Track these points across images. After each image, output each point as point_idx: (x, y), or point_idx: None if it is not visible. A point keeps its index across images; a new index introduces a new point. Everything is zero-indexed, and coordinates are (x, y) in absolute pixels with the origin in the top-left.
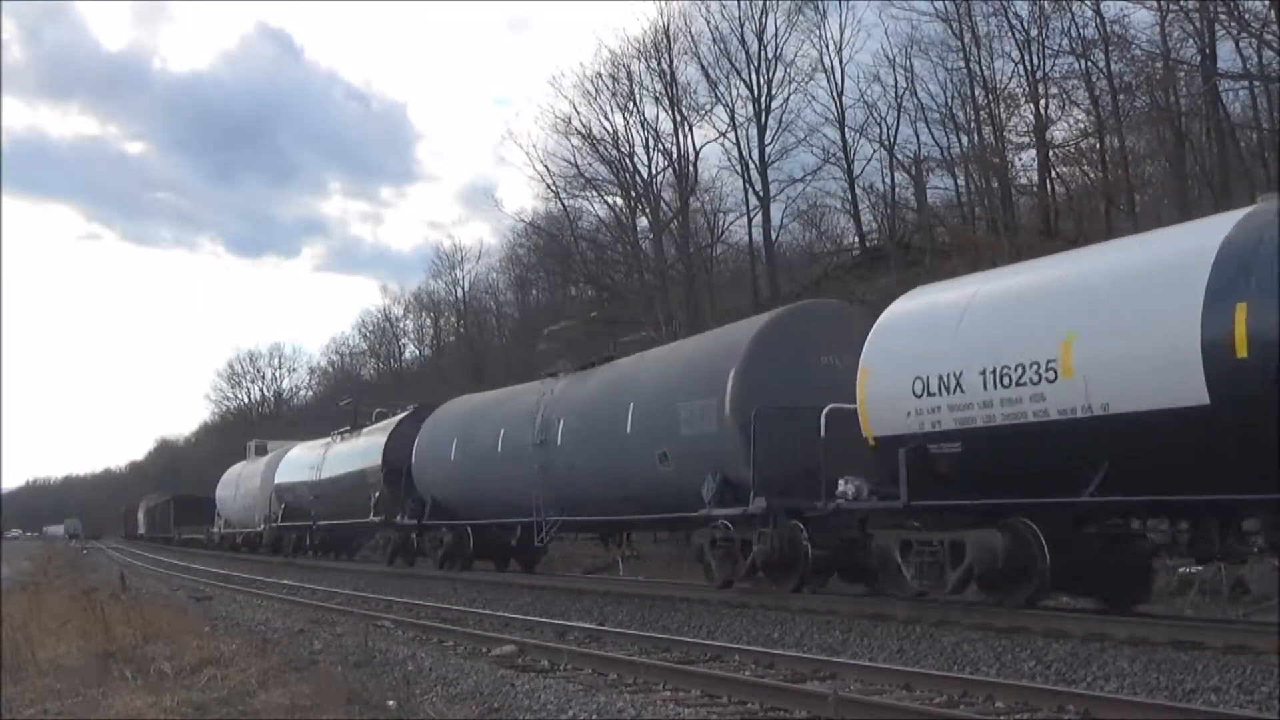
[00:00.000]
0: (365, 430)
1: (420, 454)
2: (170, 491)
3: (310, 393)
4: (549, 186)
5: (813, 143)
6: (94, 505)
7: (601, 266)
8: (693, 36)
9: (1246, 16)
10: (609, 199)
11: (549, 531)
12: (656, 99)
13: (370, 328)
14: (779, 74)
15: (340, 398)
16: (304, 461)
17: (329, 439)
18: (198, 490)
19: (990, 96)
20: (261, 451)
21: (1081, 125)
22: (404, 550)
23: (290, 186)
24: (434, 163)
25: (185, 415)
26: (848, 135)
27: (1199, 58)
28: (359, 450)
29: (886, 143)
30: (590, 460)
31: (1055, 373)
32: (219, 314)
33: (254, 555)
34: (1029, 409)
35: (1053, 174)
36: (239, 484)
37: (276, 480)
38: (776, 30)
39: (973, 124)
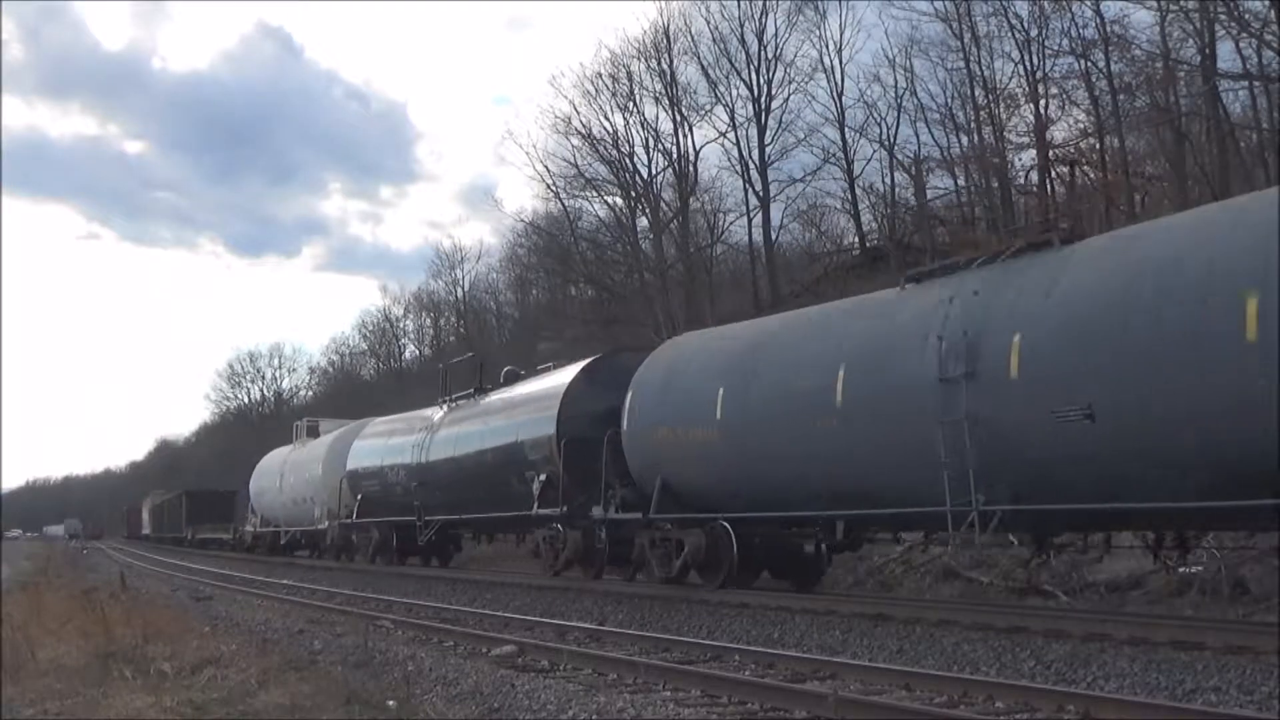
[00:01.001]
0: (504, 391)
1: (643, 412)
2: (180, 486)
3: (310, 393)
4: (549, 186)
5: (813, 143)
6: (94, 505)
7: (601, 266)
8: (693, 36)
9: (1246, 16)
10: (609, 199)
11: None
12: (656, 99)
13: (370, 328)
14: (779, 74)
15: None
16: (394, 441)
17: (437, 409)
18: (214, 484)
19: (990, 96)
20: (313, 433)
21: (1081, 125)
22: (626, 558)
23: (290, 186)
24: (434, 162)
25: (185, 415)
26: (848, 135)
27: (1199, 58)
28: (506, 419)
29: (886, 143)
30: None
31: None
32: (219, 314)
33: (304, 559)
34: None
35: (1053, 174)
36: (284, 473)
37: (351, 466)
38: (776, 30)
39: (973, 124)
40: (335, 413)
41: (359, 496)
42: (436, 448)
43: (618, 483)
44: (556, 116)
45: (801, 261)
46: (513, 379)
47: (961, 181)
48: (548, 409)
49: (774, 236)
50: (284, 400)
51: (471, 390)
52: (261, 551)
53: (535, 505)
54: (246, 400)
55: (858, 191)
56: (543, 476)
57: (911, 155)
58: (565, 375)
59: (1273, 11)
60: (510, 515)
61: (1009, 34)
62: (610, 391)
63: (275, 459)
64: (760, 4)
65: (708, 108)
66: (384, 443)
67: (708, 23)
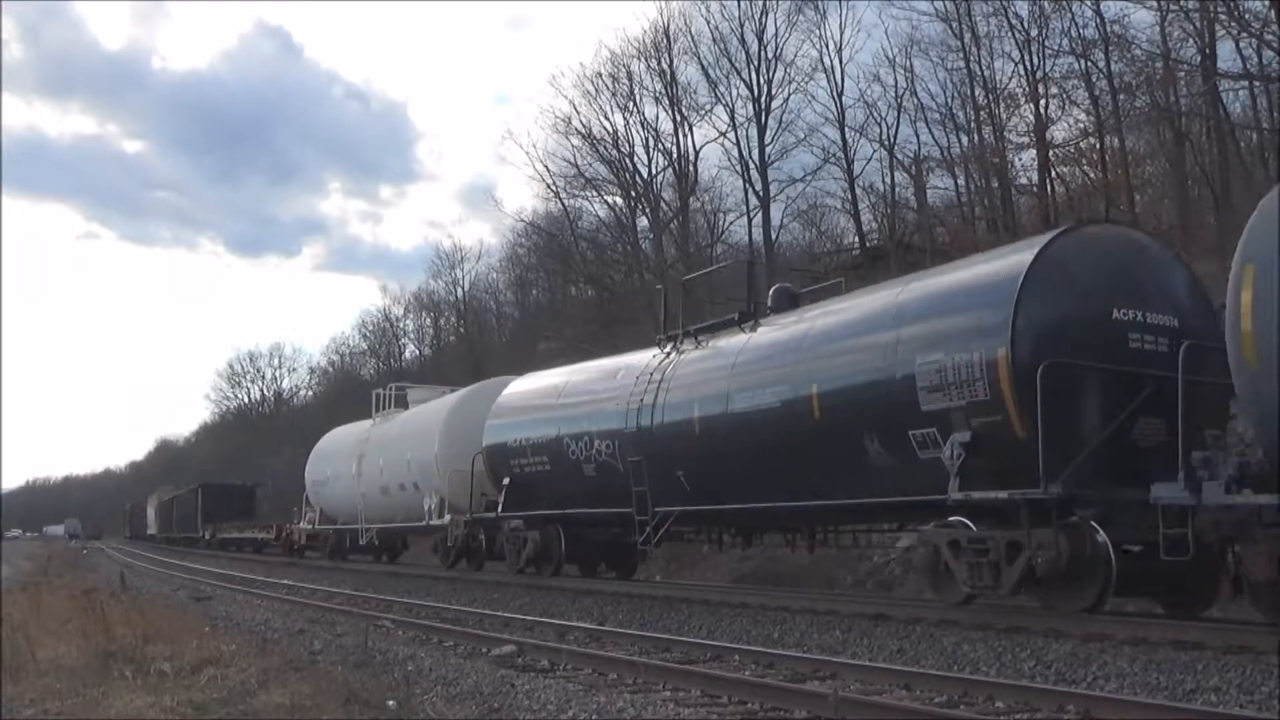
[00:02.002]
0: (818, 310)
1: None
2: (188, 481)
3: (310, 393)
4: (549, 186)
5: (813, 143)
6: (94, 505)
7: (601, 266)
8: (693, 36)
9: (1246, 16)
10: (609, 199)
11: None
12: (656, 99)
13: (370, 328)
14: (779, 74)
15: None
16: (573, 401)
17: (653, 352)
18: (232, 476)
19: (990, 96)
20: (402, 403)
21: (1081, 125)
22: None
23: (290, 186)
24: (434, 162)
25: (185, 415)
26: (848, 135)
27: (1199, 58)
28: (869, 340)
29: (886, 143)
30: None
31: None
32: (219, 314)
33: (404, 567)
34: None
35: (1053, 174)
36: (365, 455)
37: (492, 439)
38: (776, 30)
39: (973, 124)
40: (335, 416)
41: (506, 481)
42: (674, 402)
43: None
44: (556, 116)
45: (802, 261)
46: (790, 299)
47: (961, 181)
48: (993, 304)
49: (774, 236)
50: (284, 400)
51: (735, 317)
52: (322, 555)
53: (954, 481)
54: (246, 400)
55: (858, 191)
56: (964, 436)
57: (911, 155)
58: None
59: (1273, 11)
60: (884, 502)
61: (1009, 34)
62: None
63: (345, 438)
64: (760, 4)
65: (708, 108)
66: (553, 404)
67: (708, 22)
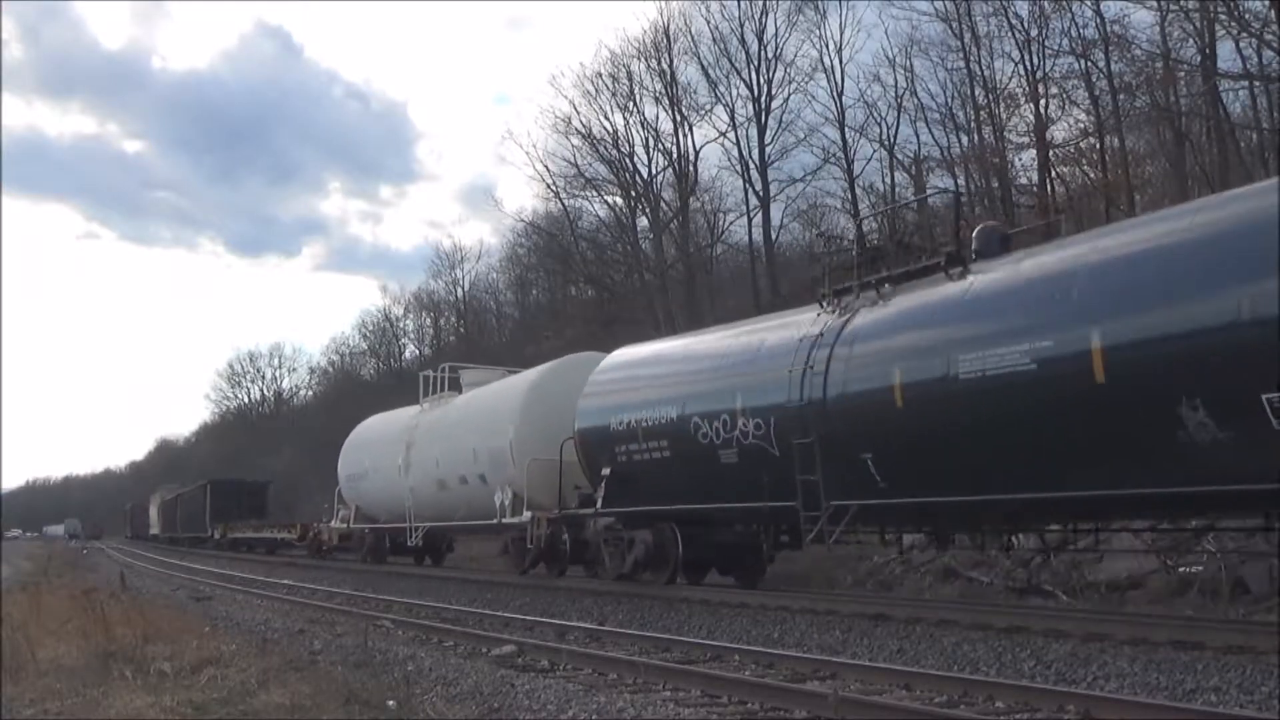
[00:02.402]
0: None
1: None
2: (189, 480)
3: (310, 393)
4: (549, 186)
5: (813, 143)
6: (94, 505)
7: (601, 266)
8: (693, 36)
9: (1246, 16)
10: (609, 199)
11: None
12: (656, 99)
13: (370, 328)
14: (779, 74)
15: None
16: (706, 368)
17: (812, 312)
18: (232, 476)
19: (990, 96)
20: (455, 387)
21: (1081, 125)
22: None
23: (290, 186)
24: (434, 162)
25: (185, 415)
26: (848, 135)
27: (1199, 58)
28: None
29: (886, 143)
30: None
31: None
32: (219, 314)
33: (457, 571)
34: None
35: (1053, 174)
36: (414, 443)
37: (589, 422)
38: (776, 30)
39: (973, 124)
40: (335, 416)
41: (606, 472)
42: (862, 369)
43: None
44: (556, 116)
45: (802, 261)
46: (1002, 243)
47: (961, 181)
48: None
49: (774, 236)
50: (284, 400)
51: (940, 262)
52: (358, 557)
53: None
54: (246, 400)
55: (858, 191)
56: None
57: (911, 155)
58: None
59: (1273, 11)
60: (1211, 492)
61: (1009, 34)
62: None
63: (387, 427)
64: (760, 4)
65: (708, 108)
66: (674, 377)
67: (708, 23)
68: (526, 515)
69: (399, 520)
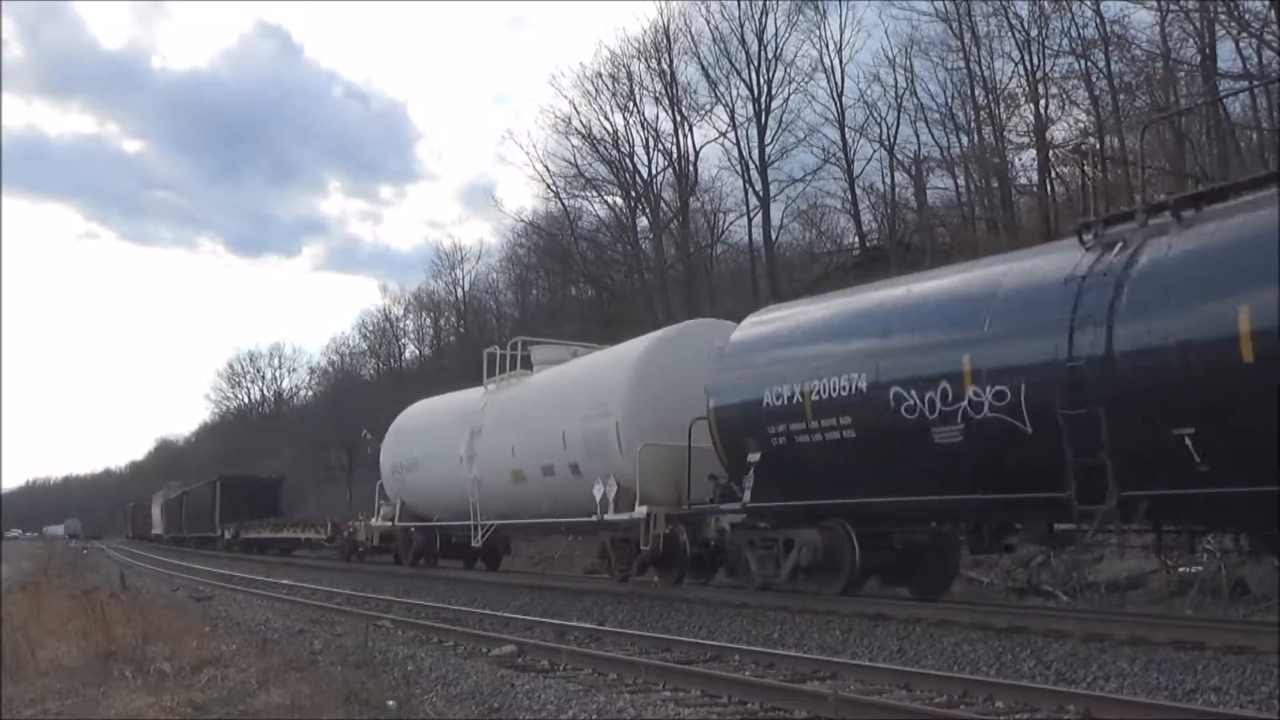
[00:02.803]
0: None
1: None
2: (191, 480)
3: (310, 393)
4: (549, 186)
5: (813, 143)
6: (94, 505)
7: (601, 266)
8: (693, 36)
9: (1246, 16)
10: (609, 199)
11: None
12: (656, 99)
13: (370, 328)
14: (779, 74)
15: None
16: (902, 325)
17: (1078, 249)
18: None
19: (990, 96)
20: (527, 364)
21: (1081, 125)
22: None
23: (290, 185)
24: (434, 162)
25: (185, 415)
26: (848, 135)
27: (1199, 58)
28: None
29: (886, 143)
30: None
31: None
32: (219, 314)
33: (526, 577)
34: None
35: (1053, 174)
36: (480, 429)
37: (726, 399)
38: (776, 30)
39: (973, 124)
40: (335, 416)
41: (754, 458)
42: (1172, 314)
43: None
44: (556, 116)
45: (802, 261)
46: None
47: (961, 181)
48: None
49: (774, 236)
50: (284, 400)
51: (1270, 174)
52: (403, 560)
53: None
54: (246, 400)
55: (858, 191)
56: None
57: (911, 155)
58: None
59: (1273, 11)
60: None
61: (1009, 34)
62: None
63: (443, 411)
64: (760, 4)
65: (708, 108)
66: (858, 335)
67: (708, 23)
68: (640, 511)
69: (458, 517)
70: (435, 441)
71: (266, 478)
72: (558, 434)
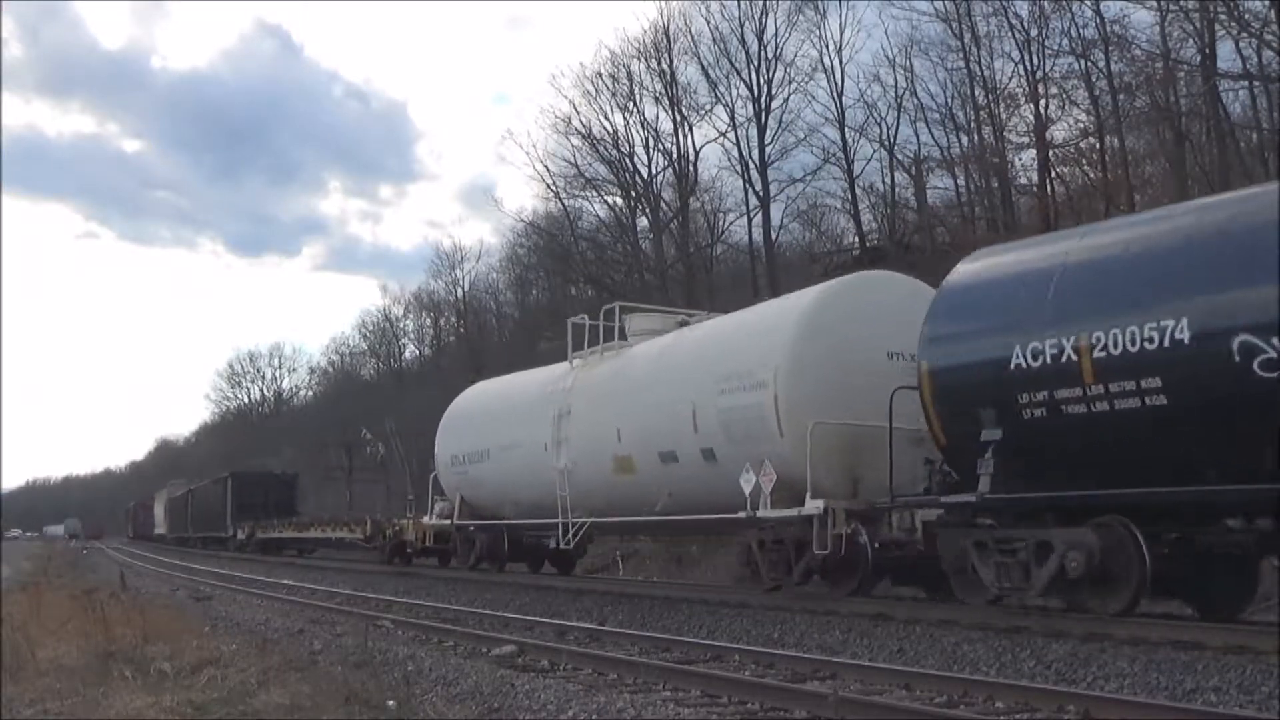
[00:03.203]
0: None
1: None
2: (191, 479)
3: (310, 393)
4: (549, 186)
5: (813, 143)
6: (94, 505)
7: (601, 266)
8: (693, 36)
9: (1246, 16)
10: (609, 199)
11: None
12: (656, 99)
13: (370, 328)
14: (779, 74)
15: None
16: None
17: None
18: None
19: (990, 96)
20: (619, 338)
21: (1081, 125)
22: None
23: (290, 185)
24: (434, 161)
25: (185, 415)
26: (848, 135)
27: (1199, 58)
28: None
29: (886, 143)
30: None
31: None
32: (219, 314)
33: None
34: None
35: (1053, 174)
36: (572, 412)
37: (946, 361)
38: (776, 30)
39: (973, 124)
40: (338, 414)
41: (993, 436)
42: None
43: None
44: (556, 116)
45: (802, 261)
46: None
47: (961, 181)
48: None
49: (774, 236)
50: (284, 400)
51: None
52: (459, 563)
53: None
54: (246, 400)
55: (858, 191)
56: None
57: (911, 155)
58: None
59: (1273, 11)
60: None
61: (1009, 34)
62: None
63: (519, 392)
64: (760, 4)
65: (708, 108)
66: (1169, 259)
67: (708, 22)
68: (814, 506)
69: (537, 514)
70: (508, 427)
71: (282, 474)
72: (683, 413)
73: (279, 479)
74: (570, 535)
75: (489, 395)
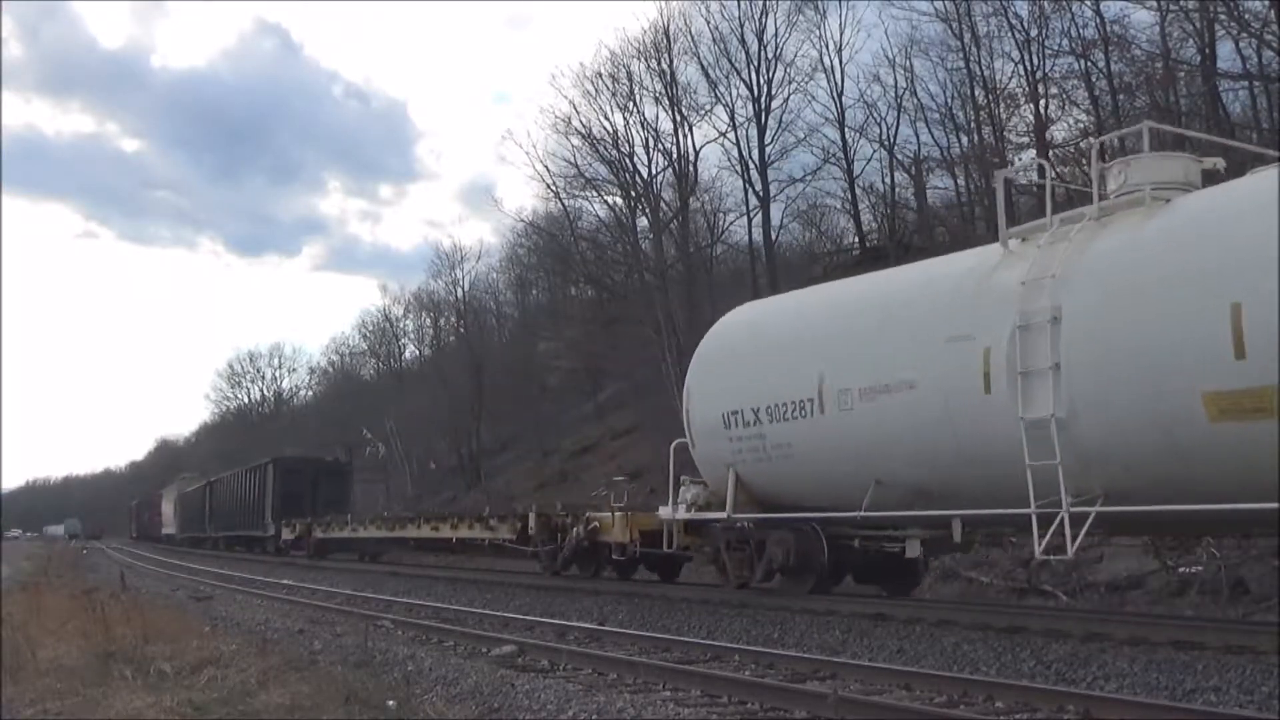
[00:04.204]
0: None
1: None
2: (200, 475)
3: (310, 393)
4: (549, 186)
5: (813, 143)
6: (94, 505)
7: (601, 266)
8: (693, 36)
9: (1246, 16)
10: (609, 199)
11: None
12: (656, 99)
13: (370, 328)
14: (779, 74)
15: (341, 398)
16: None
17: None
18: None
19: (990, 96)
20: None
21: (1081, 125)
22: None
23: (290, 185)
24: (434, 161)
25: (185, 415)
26: (848, 135)
27: (1199, 58)
28: None
29: (886, 143)
30: None
31: None
32: (219, 314)
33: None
34: None
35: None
36: (1059, 313)
37: None
38: (776, 30)
39: (973, 124)
40: (338, 414)
41: None
42: None
43: None
44: (556, 116)
45: (802, 261)
46: None
47: (961, 181)
48: None
49: (774, 236)
50: (284, 400)
51: None
52: (728, 579)
53: None
54: (246, 400)
55: (858, 191)
56: None
57: (911, 155)
58: None
59: (1273, 11)
60: None
61: (1009, 34)
62: None
63: (868, 299)
64: (760, 4)
65: (708, 108)
66: None
67: (708, 22)
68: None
69: (929, 501)
70: (865, 355)
71: (334, 460)
72: None
73: (331, 468)
74: (1073, 537)
75: (804, 309)
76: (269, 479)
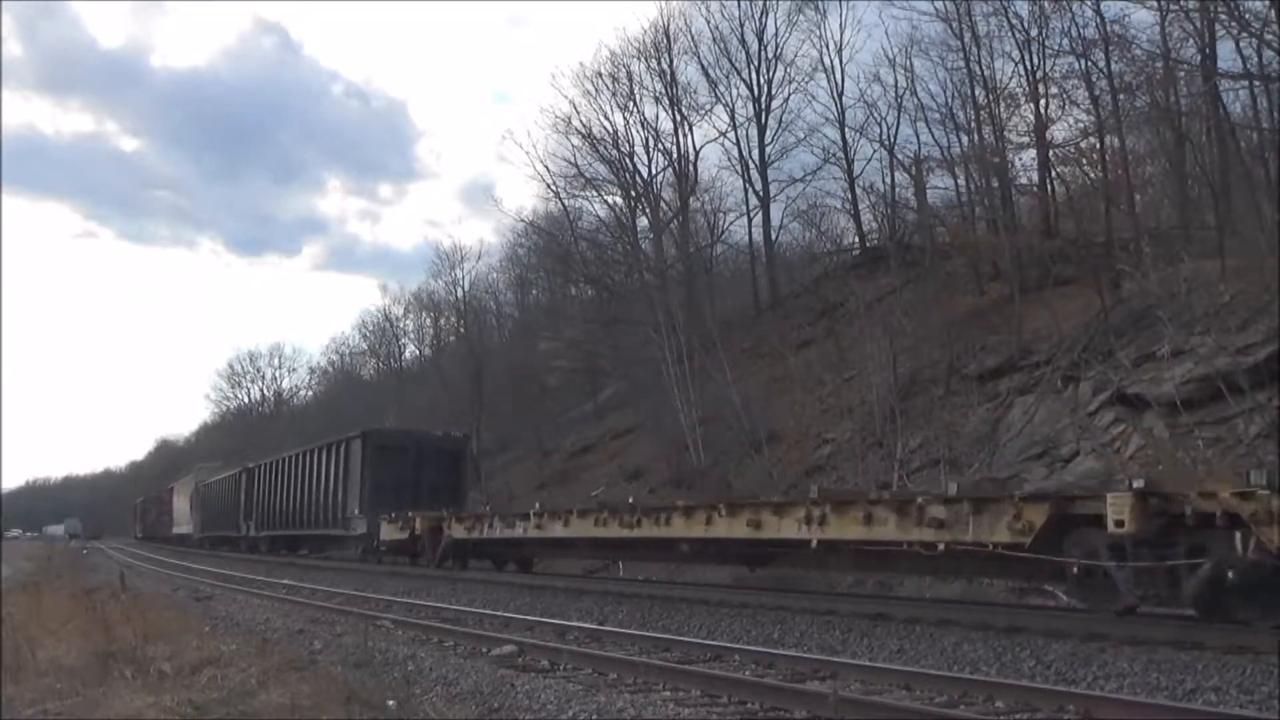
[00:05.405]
0: None
1: None
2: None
3: (310, 393)
4: (549, 186)
5: (813, 143)
6: (94, 505)
7: (601, 266)
8: (693, 36)
9: (1246, 16)
10: (609, 199)
11: None
12: (656, 99)
13: (370, 327)
14: (779, 74)
15: (341, 398)
16: None
17: None
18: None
19: (990, 96)
20: None
21: (1081, 125)
22: None
23: (290, 184)
24: (434, 161)
25: (185, 415)
26: (848, 135)
27: (1199, 58)
28: None
29: (886, 143)
30: None
31: None
32: (219, 313)
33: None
34: None
35: (1053, 174)
36: None
37: None
38: (776, 30)
39: (973, 124)
40: (338, 414)
41: None
42: None
43: None
44: (556, 116)
45: (802, 261)
46: None
47: (961, 181)
48: None
49: (774, 236)
50: (284, 400)
51: None
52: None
53: None
54: (246, 400)
55: (858, 191)
56: None
57: (911, 155)
58: None
59: (1273, 11)
60: None
61: (1009, 34)
62: None
63: None
64: (760, 4)
65: (708, 107)
66: None
67: (708, 22)
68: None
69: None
70: None
71: (444, 435)
72: None
73: (441, 444)
74: None
75: None
76: (355, 460)
